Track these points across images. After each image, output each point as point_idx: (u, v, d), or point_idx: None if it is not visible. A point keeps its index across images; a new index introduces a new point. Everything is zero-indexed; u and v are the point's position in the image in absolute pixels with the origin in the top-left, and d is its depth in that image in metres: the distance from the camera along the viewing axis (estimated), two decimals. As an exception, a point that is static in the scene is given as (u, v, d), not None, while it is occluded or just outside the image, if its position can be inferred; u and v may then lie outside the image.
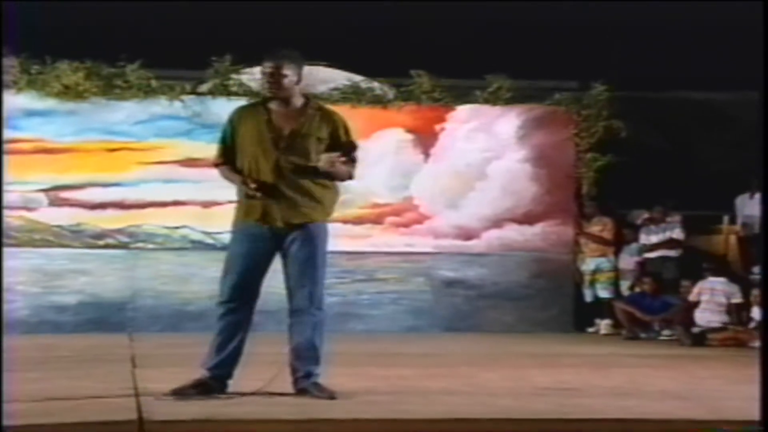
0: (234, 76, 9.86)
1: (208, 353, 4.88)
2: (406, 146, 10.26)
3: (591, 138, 10.43)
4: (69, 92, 9.46)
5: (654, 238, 10.16)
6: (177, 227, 9.77)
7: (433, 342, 8.88)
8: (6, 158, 9.02)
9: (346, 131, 5.03)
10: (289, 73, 4.85)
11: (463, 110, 10.38)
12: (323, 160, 4.83)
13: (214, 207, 9.67)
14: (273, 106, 4.93)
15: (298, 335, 4.92)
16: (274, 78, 4.85)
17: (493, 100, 10.35)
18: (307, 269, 4.86)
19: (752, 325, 8.97)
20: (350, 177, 5.05)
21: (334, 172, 4.89)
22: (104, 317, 9.34)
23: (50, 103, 9.45)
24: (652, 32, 10.86)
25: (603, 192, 10.37)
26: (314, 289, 4.88)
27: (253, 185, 4.78)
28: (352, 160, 5.01)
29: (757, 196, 10.14)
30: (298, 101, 4.95)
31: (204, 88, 9.94)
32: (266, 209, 4.83)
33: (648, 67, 10.85)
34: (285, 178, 4.82)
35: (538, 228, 10.34)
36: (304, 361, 4.89)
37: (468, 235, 10.27)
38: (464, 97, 10.36)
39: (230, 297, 4.89)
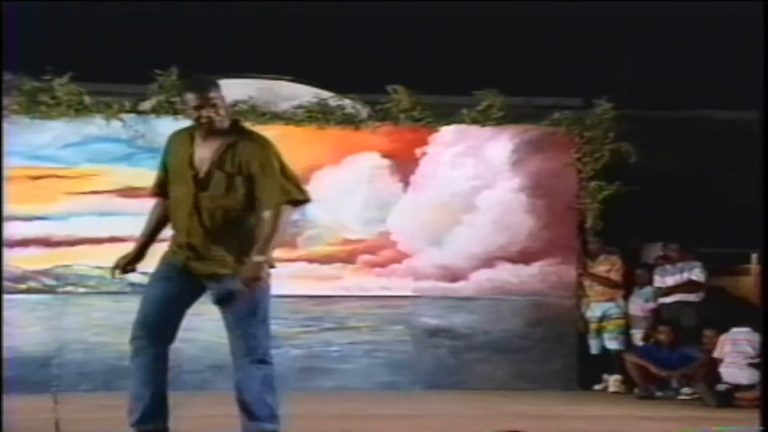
0: (181, 91, 9.79)
1: (128, 407, 4.92)
2: (381, 173, 10.23)
3: (595, 163, 10.45)
4: (-15, 109, 9.35)
5: (670, 280, 10.14)
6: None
7: (413, 401, 8.81)
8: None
9: (252, 161, 4.86)
10: (217, 102, 4.86)
11: (447, 132, 10.36)
12: (245, 270, 4.78)
13: (157, 244, 9.56)
14: (198, 133, 4.95)
15: (245, 392, 5.01)
16: (203, 112, 4.85)
17: (482, 119, 10.35)
18: (242, 319, 4.93)
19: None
20: (290, 218, 4.96)
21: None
22: (24, 375, 9.12)
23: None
24: (665, 40, 10.92)
25: (610, 226, 10.36)
26: (252, 340, 4.94)
27: (118, 272, 5.12)
28: (275, 214, 4.85)
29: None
30: (224, 129, 4.93)
31: (146, 105, 9.86)
32: (187, 260, 4.98)
33: (661, 81, 10.89)
34: (202, 225, 4.89)
35: (535, 268, 10.32)
36: (256, 420, 4.96)
37: (454, 276, 10.24)
38: (449, 116, 10.36)
39: (136, 335, 4.99)
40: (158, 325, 4.98)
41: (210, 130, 4.89)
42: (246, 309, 4.89)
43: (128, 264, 5.10)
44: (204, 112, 4.83)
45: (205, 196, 4.87)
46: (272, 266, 4.89)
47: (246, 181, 4.85)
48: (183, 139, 5.03)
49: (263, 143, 4.94)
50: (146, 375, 4.93)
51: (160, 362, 4.97)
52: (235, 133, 4.96)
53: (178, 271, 4.99)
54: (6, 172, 9.21)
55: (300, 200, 4.92)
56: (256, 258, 4.76)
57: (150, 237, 5.17)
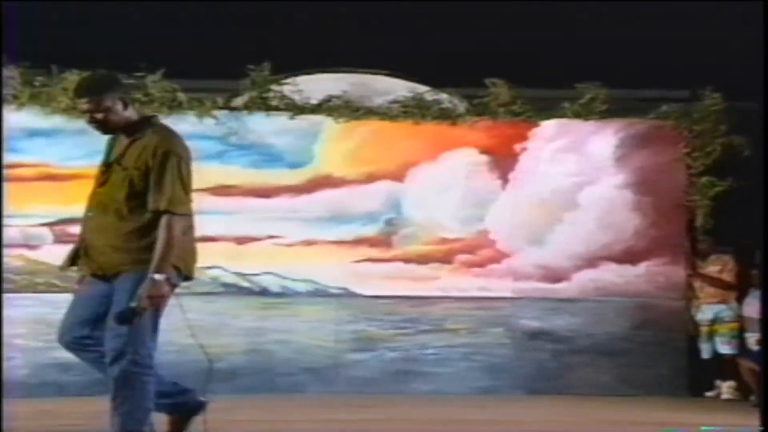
0: (274, 87, 9.89)
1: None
2: (479, 170, 10.19)
3: (706, 158, 10.31)
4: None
5: (786, 281, 9.91)
6: (206, 267, 9.74)
7: (512, 406, 8.76)
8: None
9: (150, 154, 4.83)
10: (109, 104, 4.86)
11: (548, 126, 10.30)
12: (144, 288, 4.74)
13: (250, 243, 9.69)
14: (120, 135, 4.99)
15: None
16: (95, 117, 4.88)
17: (585, 113, 10.27)
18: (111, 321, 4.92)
19: None
20: (179, 225, 4.88)
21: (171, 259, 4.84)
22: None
23: (56, 121, 9.50)
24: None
25: (721, 224, 10.18)
26: (118, 344, 4.85)
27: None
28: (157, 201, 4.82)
29: None
30: (135, 126, 4.95)
31: (239, 101, 9.98)
32: (78, 255, 5.00)
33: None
34: (96, 222, 4.89)
35: (641, 268, 10.20)
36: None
37: (555, 276, 10.16)
38: (550, 110, 10.30)
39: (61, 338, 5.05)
40: (76, 330, 5.00)
41: (105, 133, 4.94)
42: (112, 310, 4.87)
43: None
44: (97, 116, 4.85)
45: (101, 191, 4.89)
46: (173, 284, 4.87)
47: (144, 178, 4.83)
48: (111, 139, 5.06)
49: (168, 141, 4.89)
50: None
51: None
52: (143, 128, 4.95)
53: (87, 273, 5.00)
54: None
55: (181, 214, 4.84)
56: (156, 276, 4.72)
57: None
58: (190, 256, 5.07)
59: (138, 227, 4.84)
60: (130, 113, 4.93)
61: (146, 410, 4.90)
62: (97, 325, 4.95)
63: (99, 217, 4.89)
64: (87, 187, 9.63)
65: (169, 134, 4.96)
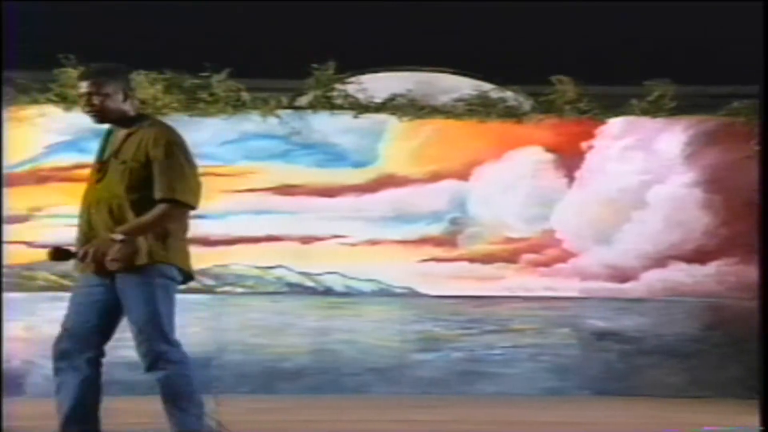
0: (338, 86, 9.92)
1: None
2: (545, 168, 10.14)
3: (778, 156, 10.15)
4: (145, 108, 9.60)
5: None
6: (270, 267, 9.83)
7: (579, 408, 8.70)
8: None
9: (150, 146, 4.88)
10: (110, 91, 4.91)
11: (615, 124, 10.22)
12: (96, 242, 4.76)
13: (314, 243, 9.75)
14: (115, 130, 5.02)
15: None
16: (92, 100, 4.92)
17: (653, 110, 10.17)
18: (116, 320, 4.96)
19: None
20: (178, 213, 4.92)
21: (139, 233, 4.82)
22: (186, 375, 9.40)
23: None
24: None
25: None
26: (148, 348, 4.90)
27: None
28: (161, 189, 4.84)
29: None
30: (130, 121, 4.99)
31: (303, 101, 10.03)
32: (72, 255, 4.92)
33: None
34: (97, 218, 4.88)
35: (711, 267, 10.09)
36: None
37: (623, 276, 10.08)
38: (617, 107, 10.20)
39: (59, 354, 4.96)
40: (84, 335, 4.97)
41: (99, 121, 4.97)
42: (118, 309, 4.88)
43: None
44: (95, 100, 4.90)
45: (100, 187, 4.90)
46: (177, 281, 4.94)
47: (144, 169, 4.85)
48: (104, 137, 5.09)
49: (169, 132, 4.97)
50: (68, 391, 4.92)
51: (88, 378, 4.94)
52: (140, 122, 5.01)
53: (91, 275, 4.96)
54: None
55: (185, 204, 4.88)
56: (116, 235, 4.74)
57: None
58: (187, 255, 5.09)
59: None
60: (128, 107, 5.00)
61: (200, 404, 4.96)
62: (108, 334, 5.03)
63: (100, 213, 4.91)
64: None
65: (167, 126, 5.07)
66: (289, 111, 9.95)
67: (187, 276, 5.09)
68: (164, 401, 4.92)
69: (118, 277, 4.88)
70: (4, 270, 8.86)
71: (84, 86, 4.96)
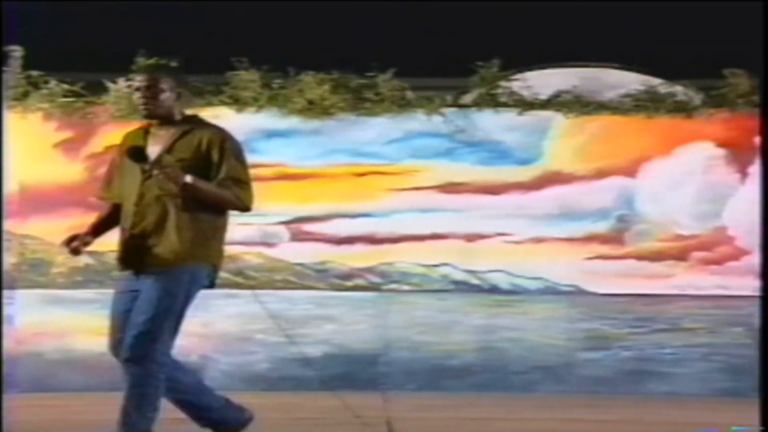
0: (503, 83, 9.90)
1: None
2: (716, 163, 9.91)
3: None
4: (313, 108, 9.82)
5: None
6: (436, 265, 9.89)
7: (754, 410, 8.48)
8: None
9: (211, 146, 5.02)
10: (165, 87, 5.04)
11: (791, 117, 9.92)
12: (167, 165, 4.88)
13: (479, 240, 9.76)
14: (153, 129, 5.11)
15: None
16: (149, 93, 5.04)
17: (831, 102, 9.83)
18: (136, 314, 4.95)
19: None
20: (237, 206, 5.10)
21: (199, 193, 4.92)
22: (353, 372, 9.53)
23: (292, 121, 9.84)
24: None
25: None
26: (133, 337, 4.92)
27: (74, 243, 5.04)
28: (224, 185, 5.00)
29: None
30: (177, 121, 5.11)
31: (467, 98, 10.05)
32: (124, 254, 5.05)
33: None
34: (148, 213, 4.97)
35: None
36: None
37: (800, 274, 9.78)
38: (793, 100, 9.91)
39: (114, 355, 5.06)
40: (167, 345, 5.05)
41: (148, 116, 5.08)
42: (143, 302, 4.92)
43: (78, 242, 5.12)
44: (149, 92, 5.03)
45: (151, 183, 4.97)
46: (211, 279, 5.06)
47: (200, 166, 4.97)
48: (135, 135, 5.17)
49: (224, 131, 5.14)
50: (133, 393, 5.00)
51: (151, 380, 4.98)
52: (192, 122, 5.13)
53: (126, 276, 5.07)
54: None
55: (245, 205, 5.12)
56: (188, 177, 4.88)
57: (99, 223, 5.24)
58: (222, 257, 5.25)
59: (190, 218, 5.02)
60: (178, 107, 5.15)
61: (157, 409, 5.03)
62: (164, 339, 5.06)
63: (150, 209, 5.01)
64: (322, 186, 10.01)
65: (223, 129, 5.22)
66: (453, 109, 9.97)
67: (212, 283, 5.21)
68: (127, 397, 5.00)
69: (151, 273, 5.01)
70: None
71: (142, 80, 5.16)
